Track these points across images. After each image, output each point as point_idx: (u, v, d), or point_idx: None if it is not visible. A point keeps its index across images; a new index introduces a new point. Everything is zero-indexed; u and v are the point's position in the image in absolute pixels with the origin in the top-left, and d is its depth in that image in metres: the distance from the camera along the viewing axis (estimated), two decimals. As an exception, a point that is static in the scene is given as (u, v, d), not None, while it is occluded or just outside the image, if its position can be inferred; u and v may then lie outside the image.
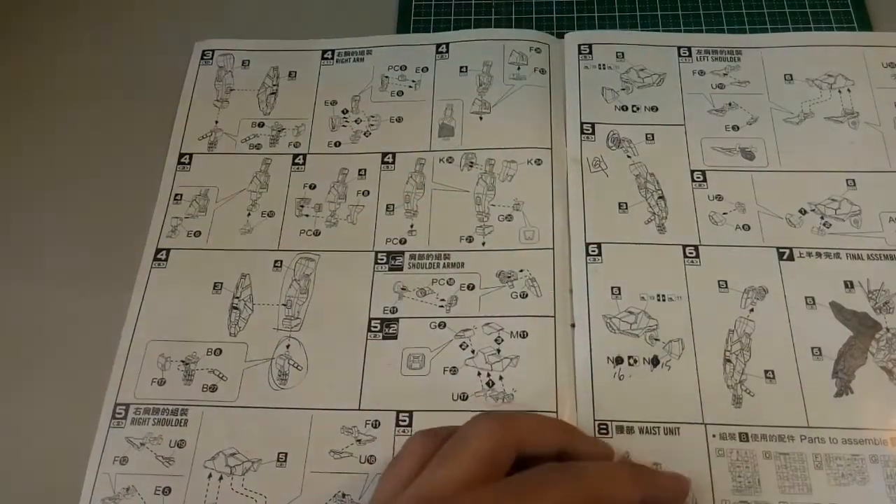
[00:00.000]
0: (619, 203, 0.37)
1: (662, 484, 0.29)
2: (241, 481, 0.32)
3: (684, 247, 0.36)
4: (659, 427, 0.32)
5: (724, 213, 0.36)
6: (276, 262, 0.37)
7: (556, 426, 0.31)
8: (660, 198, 0.37)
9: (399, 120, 0.40)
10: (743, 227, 0.36)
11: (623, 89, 0.40)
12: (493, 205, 0.37)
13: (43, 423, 0.34)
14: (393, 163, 0.39)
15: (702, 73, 0.40)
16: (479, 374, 0.34)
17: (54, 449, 0.33)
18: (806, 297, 0.34)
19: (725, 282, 0.35)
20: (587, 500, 0.26)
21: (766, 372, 0.33)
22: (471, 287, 0.36)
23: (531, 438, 0.28)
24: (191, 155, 0.40)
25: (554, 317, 0.35)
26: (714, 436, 0.32)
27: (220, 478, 0.32)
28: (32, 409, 0.34)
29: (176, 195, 0.39)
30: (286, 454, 0.32)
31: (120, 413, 0.33)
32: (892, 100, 0.39)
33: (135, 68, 0.43)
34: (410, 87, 0.41)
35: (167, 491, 0.32)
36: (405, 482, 0.27)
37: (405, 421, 0.33)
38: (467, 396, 0.33)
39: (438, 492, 0.26)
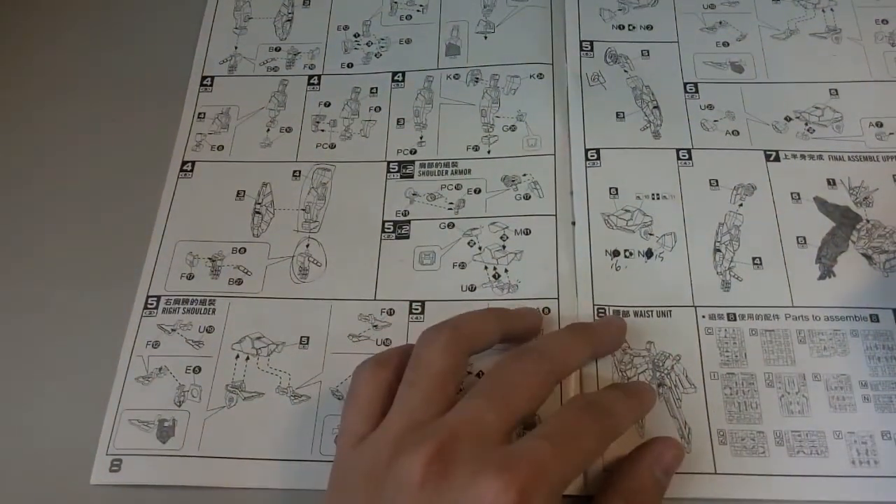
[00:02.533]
0: (617, 113, 0.39)
1: (604, 337, 0.33)
2: (267, 361, 0.34)
3: (678, 150, 0.38)
4: (652, 310, 0.34)
5: (715, 121, 0.39)
6: (294, 171, 0.39)
7: (492, 316, 0.31)
8: (655, 107, 0.39)
9: (408, 41, 0.42)
10: (732, 132, 0.38)
11: (620, 9, 0.42)
12: (497, 116, 0.40)
13: (78, 315, 0.36)
14: (403, 81, 0.41)
15: (694, -6, 0.42)
16: (485, 267, 0.36)
17: (90, 337, 0.36)
18: (791, 193, 0.37)
19: (716, 180, 0.37)
20: (552, 372, 0.29)
21: (753, 259, 0.35)
22: (477, 191, 0.38)
23: (477, 339, 0.30)
24: (213, 77, 0.42)
25: (555, 216, 0.37)
26: (703, 317, 0.34)
27: (247, 358, 0.35)
28: (68, 301, 0.37)
29: (199, 113, 0.41)
30: (308, 338, 0.35)
31: (152, 304, 0.36)
32: (872, 16, 0.41)
33: (158, 2, 0.46)
34: (419, 11, 0.43)
35: (197, 370, 0.34)
36: (373, 413, 0.28)
37: (418, 309, 0.35)
38: (475, 287, 0.36)
39: (419, 414, 0.27)
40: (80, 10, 0.46)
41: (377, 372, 0.29)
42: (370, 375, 0.29)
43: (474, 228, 0.37)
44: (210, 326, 0.35)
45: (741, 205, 0.36)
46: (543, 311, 0.35)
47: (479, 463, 0.25)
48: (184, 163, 0.40)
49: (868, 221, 0.36)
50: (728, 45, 0.41)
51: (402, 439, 0.26)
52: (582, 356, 0.31)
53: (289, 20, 0.44)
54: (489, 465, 0.24)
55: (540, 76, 0.41)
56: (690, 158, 0.38)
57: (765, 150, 0.38)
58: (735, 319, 0.34)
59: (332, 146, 0.40)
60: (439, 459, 0.25)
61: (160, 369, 0.35)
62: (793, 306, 0.34)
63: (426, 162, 0.39)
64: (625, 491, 0.29)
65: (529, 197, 0.38)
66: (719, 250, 0.35)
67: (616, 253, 0.36)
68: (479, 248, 0.37)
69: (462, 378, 0.29)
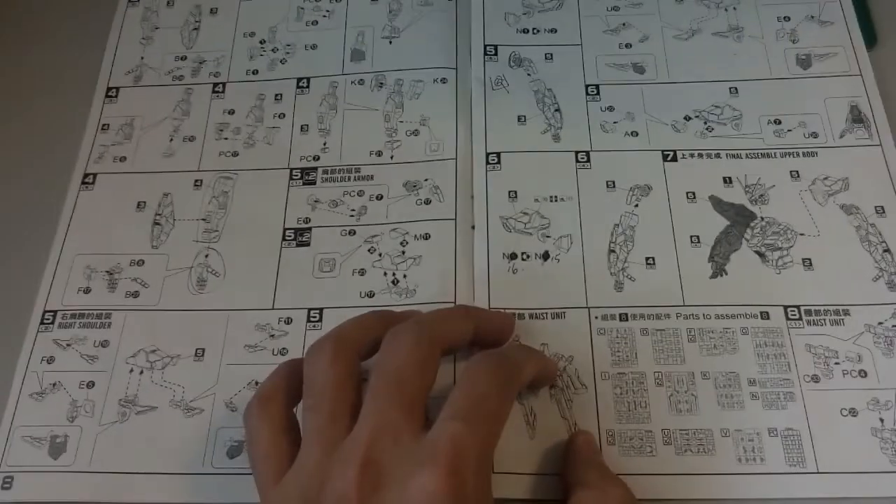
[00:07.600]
0: (519, 116, 0.39)
1: (490, 316, 0.33)
2: (161, 374, 0.34)
3: (576, 153, 0.38)
4: (547, 312, 0.34)
5: (615, 122, 0.39)
6: (196, 181, 0.39)
7: (371, 316, 0.31)
8: (556, 111, 0.39)
9: (314, 47, 0.42)
10: (631, 133, 0.38)
11: (525, 13, 0.42)
12: (401, 121, 0.40)
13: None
14: (308, 87, 0.41)
15: (599, -4, 0.42)
16: (385, 273, 0.36)
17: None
18: (687, 193, 0.37)
19: (613, 182, 0.37)
20: (433, 339, 0.29)
21: (647, 259, 0.35)
22: (379, 197, 0.38)
23: (360, 341, 0.29)
24: (118, 88, 0.42)
25: (455, 219, 0.37)
26: (596, 317, 0.34)
27: (141, 372, 0.34)
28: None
29: (103, 125, 0.41)
30: (203, 350, 0.35)
31: (48, 319, 0.36)
32: (774, 14, 0.41)
33: (66, 12, 0.45)
34: (324, 16, 0.43)
35: (91, 385, 0.34)
36: (280, 451, 0.28)
37: (316, 317, 0.35)
38: (374, 293, 0.36)
39: (330, 435, 0.27)
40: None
41: (265, 409, 0.29)
42: (260, 415, 0.29)
43: (375, 235, 0.37)
44: (105, 341, 0.35)
45: (637, 205, 0.36)
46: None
47: (405, 465, 0.25)
48: (85, 175, 0.39)
49: (763, 219, 0.36)
50: (631, 46, 0.41)
51: (324, 466, 0.26)
52: (461, 326, 0.30)
53: (196, 29, 0.44)
54: (415, 464, 0.25)
55: (444, 80, 0.41)
56: (589, 161, 0.38)
57: (662, 151, 0.38)
58: (627, 319, 0.34)
59: (235, 154, 0.40)
60: (367, 474, 0.25)
61: (54, 385, 0.34)
62: (684, 305, 0.34)
63: (329, 168, 0.39)
64: (586, 479, 0.29)
65: (430, 202, 0.38)
66: (613, 251, 0.36)
67: (514, 256, 0.36)
68: (380, 255, 0.37)
69: (360, 381, 0.29)
